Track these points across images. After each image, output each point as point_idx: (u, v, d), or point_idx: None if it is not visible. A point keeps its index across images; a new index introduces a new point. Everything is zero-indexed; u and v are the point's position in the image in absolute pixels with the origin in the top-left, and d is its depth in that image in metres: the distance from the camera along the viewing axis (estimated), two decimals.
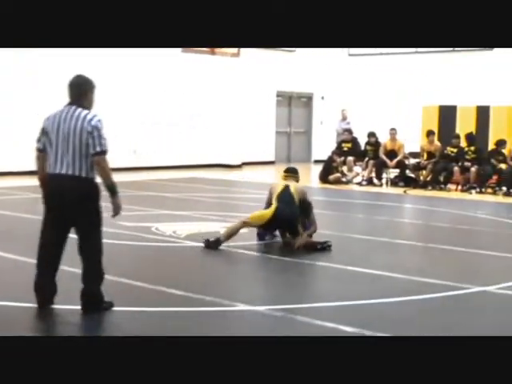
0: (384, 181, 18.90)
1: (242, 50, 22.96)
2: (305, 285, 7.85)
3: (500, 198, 16.27)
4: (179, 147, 22.33)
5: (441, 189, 17.64)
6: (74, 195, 6.06)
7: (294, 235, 9.45)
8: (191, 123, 22.60)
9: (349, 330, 5.90)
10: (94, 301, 6.27)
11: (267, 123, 25.17)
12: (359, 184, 18.74)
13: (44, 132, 6.20)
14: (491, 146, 18.40)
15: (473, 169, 17.13)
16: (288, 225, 9.47)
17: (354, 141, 19.83)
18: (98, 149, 6.01)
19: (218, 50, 22.14)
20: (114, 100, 20.27)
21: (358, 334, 5.78)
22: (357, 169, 19.47)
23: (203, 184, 17.91)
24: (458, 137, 18.14)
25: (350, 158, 19.17)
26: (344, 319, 6.21)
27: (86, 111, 6.12)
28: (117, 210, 6.20)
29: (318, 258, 8.93)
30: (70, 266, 6.79)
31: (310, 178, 20.75)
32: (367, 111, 24.81)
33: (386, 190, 18.15)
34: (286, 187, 9.57)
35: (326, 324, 6.06)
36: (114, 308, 6.40)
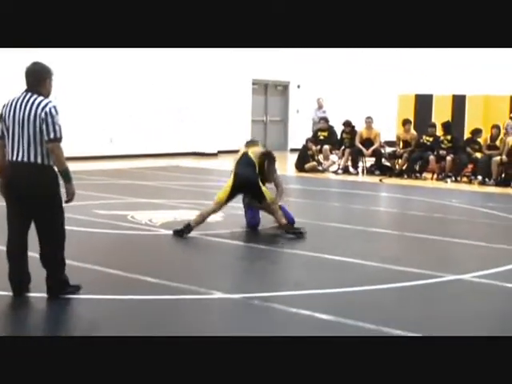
0: (360, 169, 18.95)
1: None
2: (280, 273, 7.86)
3: (475, 187, 16.37)
4: (155, 135, 22.24)
5: (416, 177, 17.72)
6: (30, 182, 6.04)
7: (261, 200, 9.54)
8: (167, 112, 22.52)
9: (324, 317, 5.91)
10: (59, 286, 6.27)
11: (243, 112, 25.11)
12: (335, 172, 18.77)
13: (1, 119, 6.18)
14: (467, 135, 18.50)
15: (448, 158, 17.21)
16: (250, 186, 9.56)
17: (330, 129, 19.84)
18: (51, 136, 5.98)
19: None
20: (90, 89, 20.14)
21: (334, 321, 5.80)
22: (333, 157, 19.50)
23: (179, 172, 17.86)
24: (433, 126, 18.22)
25: (326, 147, 19.19)
26: (319, 307, 6.21)
27: (41, 98, 6.06)
28: (70, 197, 6.16)
29: (293, 246, 8.94)
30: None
31: (286, 167, 20.74)
32: (343, 100, 24.83)
33: (362, 178, 18.20)
34: (245, 153, 9.88)
35: (302, 311, 6.06)
36: (89, 296, 6.38)
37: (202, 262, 8.30)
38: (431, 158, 17.53)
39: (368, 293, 6.86)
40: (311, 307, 6.18)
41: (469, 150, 17.23)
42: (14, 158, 6.07)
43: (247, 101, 25.25)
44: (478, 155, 17.13)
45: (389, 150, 19.02)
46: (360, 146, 18.75)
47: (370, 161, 19.06)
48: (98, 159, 19.78)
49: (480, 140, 17.43)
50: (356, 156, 18.92)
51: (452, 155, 17.20)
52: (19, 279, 6.28)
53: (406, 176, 17.81)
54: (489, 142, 17.09)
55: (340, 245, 9.30)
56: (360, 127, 19.22)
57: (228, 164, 20.46)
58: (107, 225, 9.86)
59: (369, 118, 18.98)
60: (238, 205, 10.58)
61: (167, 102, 22.47)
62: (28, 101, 6.04)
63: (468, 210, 12.72)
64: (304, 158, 18.92)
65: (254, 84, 25.49)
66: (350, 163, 18.97)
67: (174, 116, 22.73)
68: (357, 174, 18.73)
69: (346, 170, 18.82)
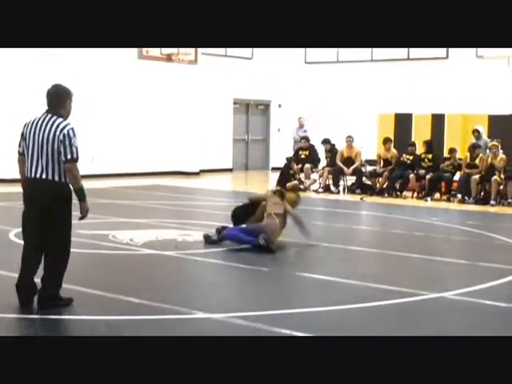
0: (341, 188, 19.04)
1: (200, 57, 22.96)
2: (263, 292, 7.86)
3: (455, 206, 16.48)
4: (137, 154, 22.22)
5: (397, 196, 17.83)
6: (47, 198, 6.42)
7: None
8: (149, 130, 22.52)
9: (304, 336, 5.92)
10: (49, 300, 6.53)
11: (225, 131, 25.20)
12: (316, 191, 18.84)
13: (23, 137, 6.58)
14: (447, 153, 18.66)
15: (428, 176, 17.35)
16: None
17: (312, 148, 19.94)
18: (68, 156, 6.37)
19: (175, 57, 22.10)
20: (72, 107, 20.10)
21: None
22: (314, 176, 19.58)
23: (161, 191, 17.85)
24: (413, 144, 18.38)
25: (308, 166, 19.28)
26: (301, 326, 6.23)
27: (60, 120, 6.46)
28: (84, 213, 6.57)
29: (275, 266, 8.97)
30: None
31: (267, 186, 20.79)
32: (324, 119, 24.95)
33: (343, 197, 18.27)
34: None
35: (283, 331, 6.07)
36: (72, 316, 6.37)
37: (184, 281, 8.29)
38: (411, 176, 17.65)
39: (349, 311, 6.89)
40: (293, 326, 6.18)
41: (445, 167, 17.46)
42: (33, 175, 6.45)
43: (229, 120, 25.35)
44: (457, 173, 17.34)
45: (369, 168, 19.12)
46: (341, 165, 18.85)
47: (350, 179, 19.15)
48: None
49: (460, 156, 17.63)
50: (337, 175, 19.01)
51: (431, 173, 17.35)
52: (26, 290, 6.53)
53: (386, 194, 17.91)
54: (468, 160, 17.23)
55: (321, 263, 9.34)
56: (341, 146, 19.34)
57: (210, 183, 20.53)
58: (88, 244, 9.85)
59: (349, 137, 19.10)
60: (220, 224, 10.62)
61: (149, 121, 22.48)
62: (48, 122, 6.44)
63: (448, 228, 12.81)
64: (285, 177, 18.97)
65: (235, 103, 25.60)
66: (331, 182, 19.06)
67: (155, 135, 22.74)
68: (338, 192, 18.81)
69: (327, 189, 18.91)
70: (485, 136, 18.50)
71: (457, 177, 17.46)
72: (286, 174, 19.04)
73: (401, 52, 23.49)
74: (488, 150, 17.28)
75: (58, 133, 6.37)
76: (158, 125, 22.79)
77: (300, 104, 25.96)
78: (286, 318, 6.62)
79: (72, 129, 6.43)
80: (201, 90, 23.52)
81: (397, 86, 23.94)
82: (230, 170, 25.19)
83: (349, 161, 18.89)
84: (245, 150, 26.38)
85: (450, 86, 22.87)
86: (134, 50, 21.34)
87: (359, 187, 18.71)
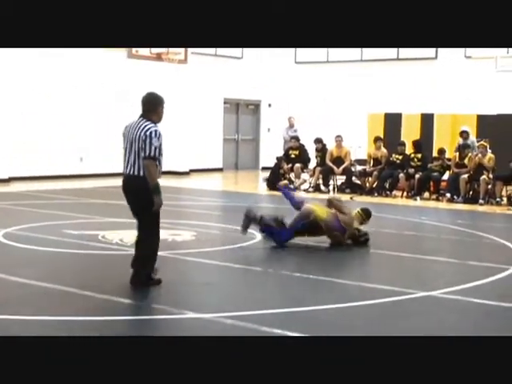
0: (331, 187, 19.07)
1: (190, 56, 22.95)
2: (253, 292, 7.87)
3: (444, 205, 16.54)
4: None
5: (386, 195, 17.88)
6: (134, 190, 7.34)
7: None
8: None
9: (295, 336, 5.93)
10: (142, 278, 7.49)
11: (215, 130, 25.21)
12: (306, 191, 18.86)
13: (123, 137, 7.52)
14: (435, 153, 18.72)
15: (417, 176, 17.41)
16: None
17: (302, 148, 19.97)
18: (147, 154, 7.23)
19: (164, 56, 22.07)
20: (60, 107, 20.08)
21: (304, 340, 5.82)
22: (304, 175, 19.61)
23: None
24: (403, 144, 18.44)
25: (298, 165, 19.31)
26: (291, 325, 6.24)
27: (148, 123, 7.36)
28: (157, 207, 7.31)
29: (265, 266, 8.98)
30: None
31: (257, 185, 20.83)
32: (314, 118, 25.00)
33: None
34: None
35: (274, 330, 6.08)
36: (62, 317, 6.36)
37: (176, 281, 8.28)
38: (401, 176, 17.71)
39: (339, 310, 6.91)
40: (283, 326, 6.20)
41: (434, 167, 17.52)
42: (126, 171, 7.43)
43: (219, 119, 25.36)
44: (446, 173, 17.41)
45: (359, 168, 19.16)
46: (330, 165, 18.89)
47: (340, 179, 19.19)
48: (68, 178, 19.69)
49: (449, 156, 17.66)
50: (327, 174, 19.05)
51: (420, 173, 17.41)
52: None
53: (376, 194, 17.96)
54: (457, 160, 17.30)
55: (311, 263, 9.34)
56: (330, 146, 19.38)
57: (200, 183, 20.52)
58: (78, 245, 9.82)
59: (339, 136, 19.15)
60: (210, 224, 10.62)
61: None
62: (138, 125, 7.37)
63: (437, 227, 12.85)
64: (275, 177, 19.01)
65: (225, 103, 25.60)
66: (321, 181, 19.09)
67: None
68: (328, 192, 18.83)
69: (317, 188, 18.93)
70: (472, 136, 18.58)
71: (445, 176, 17.54)
72: (276, 174, 19.08)
73: (390, 52, 23.57)
74: (475, 150, 17.39)
75: (142, 133, 7.23)
76: None
77: (290, 104, 25.99)
78: (276, 317, 6.63)
79: (155, 131, 7.25)
80: (191, 89, 23.52)
81: (386, 85, 24.02)
82: (220, 170, 25.20)
83: (338, 160, 18.94)
84: (235, 150, 26.39)
85: (439, 86, 22.97)
86: (123, 50, 21.30)
87: (349, 187, 18.74)
